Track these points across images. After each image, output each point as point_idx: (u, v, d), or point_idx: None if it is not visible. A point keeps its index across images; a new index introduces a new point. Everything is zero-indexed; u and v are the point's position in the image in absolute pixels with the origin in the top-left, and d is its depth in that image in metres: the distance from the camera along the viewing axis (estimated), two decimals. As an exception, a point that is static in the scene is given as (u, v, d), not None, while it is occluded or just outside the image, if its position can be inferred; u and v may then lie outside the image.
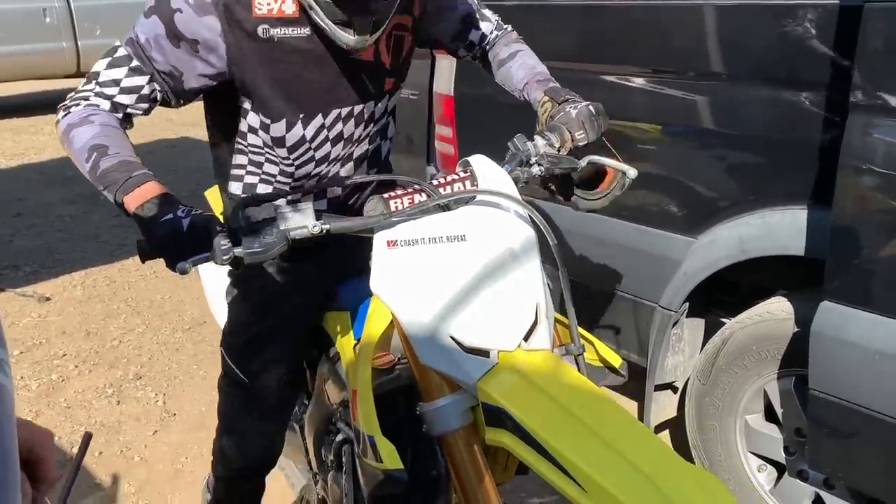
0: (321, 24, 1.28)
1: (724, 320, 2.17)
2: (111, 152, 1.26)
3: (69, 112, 1.32)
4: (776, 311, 1.90)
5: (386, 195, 1.21)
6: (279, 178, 1.50)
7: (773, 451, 2.01)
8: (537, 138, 1.47)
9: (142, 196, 1.21)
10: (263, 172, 1.50)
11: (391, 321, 1.35)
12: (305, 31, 1.33)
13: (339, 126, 1.47)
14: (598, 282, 2.34)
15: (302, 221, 1.12)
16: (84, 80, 1.35)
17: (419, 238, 1.15)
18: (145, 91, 1.33)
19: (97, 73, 1.33)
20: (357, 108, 1.47)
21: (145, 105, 1.35)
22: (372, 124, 1.53)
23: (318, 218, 1.13)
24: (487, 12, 1.73)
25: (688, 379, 2.20)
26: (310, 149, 1.46)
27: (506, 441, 1.06)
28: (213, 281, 2.02)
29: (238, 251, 1.08)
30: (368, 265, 1.21)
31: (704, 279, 2.01)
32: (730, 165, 1.98)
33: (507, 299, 1.15)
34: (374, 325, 1.36)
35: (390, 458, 1.19)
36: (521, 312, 1.15)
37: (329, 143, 1.47)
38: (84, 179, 1.31)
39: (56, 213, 5.10)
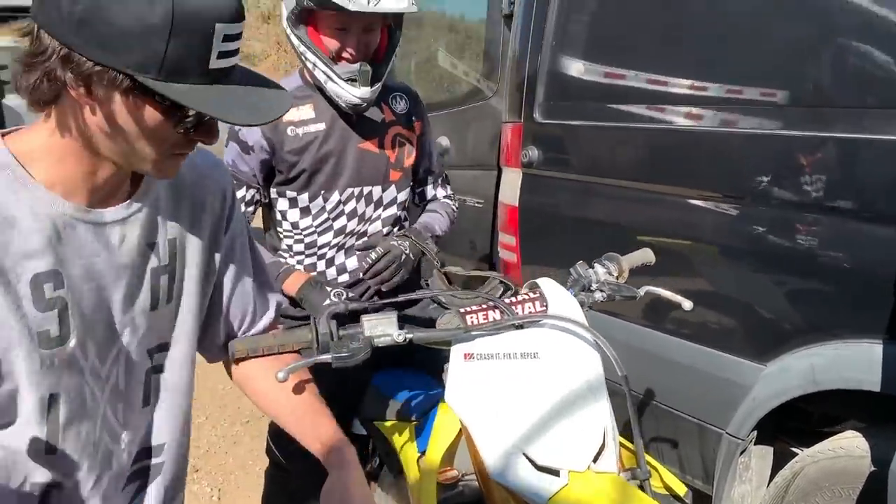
0: (335, 88, 1.75)
1: (793, 449, 2.09)
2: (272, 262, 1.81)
3: None
4: (851, 448, 1.82)
5: (462, 310, 1.26)
6: (307, 252, 1.92)
7: None
8: (597, 266, 1.58)
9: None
10: (294, 253, 1.93)
11: (456, 436, 1.35)
12: (322, 126, 1.84)
13: (353, 203, 1.90)
14: (664, 403, 2.29)
15: (387, 330, 1.19)
16: None
17: (495, 353, 1.18)
18: (248, 196, 1.85)
19: None
20: (366, 189, 1.91)
21: (252, 207, 1.88)
22: (381, 208, 1.94)
23: (400, 327, 1.20)
24: (445, 186, 2.19)
25: (756, 511, 2.10)
26: (329, 219, 1.88)
27: None
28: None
29: (326, 357, 1.16)
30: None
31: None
32: (802, 293, 1.95)
33: (577, 420, 1.17)
34: (441, 439, 1.37)
35: None
36: (591, 434, 1.17)
37: (345, 217, 1.89)
38: None
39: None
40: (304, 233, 1.89)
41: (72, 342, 0.95)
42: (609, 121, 2.43)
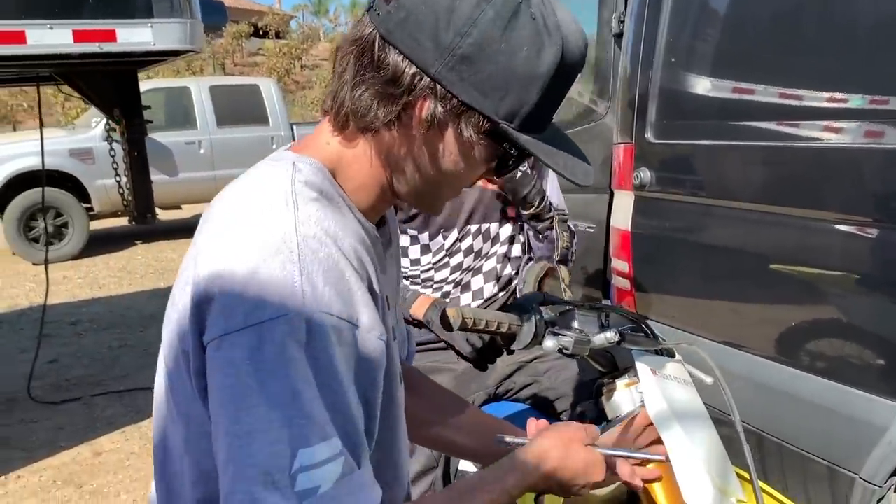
0: None
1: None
2: None
3: None
4: None
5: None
6: (423, 286, 1.90)
7: None
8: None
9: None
10: (412, 283, 1.93)
11: None
12: None
13: (470, 240, 1.89)
14: (790, 441, 2.11)
15: (595, 329, 1.16)
16: None
17: (669, 374, 1.18)
18: None
19: None
20: (483, 227, 1.89)
21: None
22: (498, 244, 1.92)
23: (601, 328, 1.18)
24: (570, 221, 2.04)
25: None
26: (445, 255, 1.87)
27: None
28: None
29: (566, 340, 1.11)
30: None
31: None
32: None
33: (723, 449, 1.18)
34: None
35: None
36: (730, 464, 1.18)
37: (461, 254, 1.88)
38: None
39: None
40: (422, 269, 1.90)
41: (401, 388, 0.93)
42: (729, 139, 2.29)
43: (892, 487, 1.86)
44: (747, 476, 1.21)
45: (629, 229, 2.62)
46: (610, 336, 1.11)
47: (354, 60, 0.80)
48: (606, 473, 0.96)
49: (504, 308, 1.17)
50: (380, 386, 0.79)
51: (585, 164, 0.87)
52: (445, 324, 1.13)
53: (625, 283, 2.68)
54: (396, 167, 0.85)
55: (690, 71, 2.41)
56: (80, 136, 8.46)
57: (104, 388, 4.31)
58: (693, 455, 1.10)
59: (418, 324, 1.78)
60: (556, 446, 0.93)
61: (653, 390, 1.13)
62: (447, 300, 1.88)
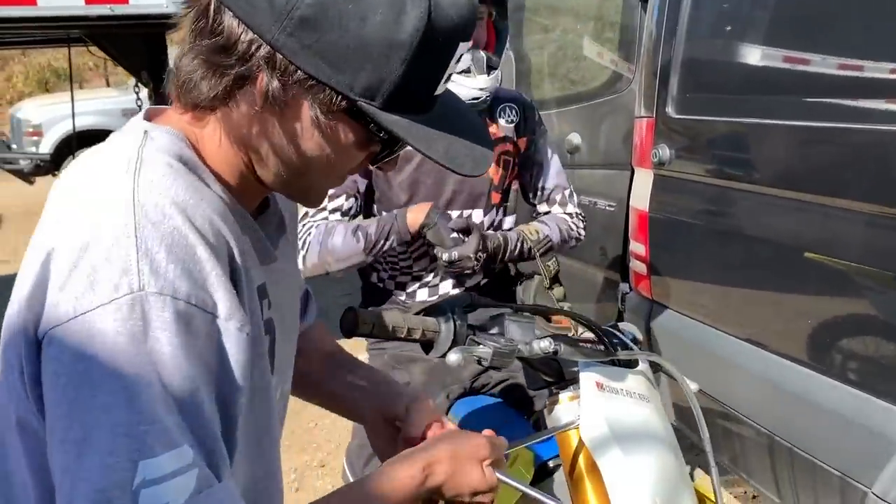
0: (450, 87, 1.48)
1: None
2: (367, 223, 1.64)
3: (310, 234, 1.64)
4: None
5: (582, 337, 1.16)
6: (402, 271, 1.78)
7: None
8: None
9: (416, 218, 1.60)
10: (391, 270, 1.80)
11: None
12: None
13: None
14: (801, 447, 1.95)
15: (529, 337, 1.06)
16: (311, 213, 1.70)
17: (619, 388, 1.08)
18: (346, 206, 1.71)
19: (323, 208, 1.66)
20: (466, 213, 1.75)
21: (347, 218, 1.72)
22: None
23: (538, 337, 1.08)
24: (573, 200, 1.92)
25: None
26: (425, 244, 1.70)
27: None
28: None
29: (483, 351, 1.01)
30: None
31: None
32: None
33: (680, 470, 1.10)
34: (508, 493, 1.24)
35: None
36: (688, 484, 1.11)
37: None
38: None
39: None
40: (400, 257, 1.77)
41: (274, 379, 0.80)
42: (752, 116, 2.10)
43: (907, 506, 1.70)
44: (712, 498, 1.12)
45: (647, 210, 2.46)
46: (545, 345, 0.99)
47: (190, 24, 0.70)
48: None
49: (427, 312, 1.06)
50: (240, 387, 0.67)
51: (482, 148, 0.75)
52: (352, 327, 1.02)
53: (641, 267, 2.53)
54: (252, 151, 0.74)
55: (715, 40, 2.22)
56: (132, 95, 8.58)
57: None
58: (633, 481, 0.98)
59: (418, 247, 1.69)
60: (446, 459, 0.83)
61: (592, 408, 1.02)
62: (415, 298, 1.77)
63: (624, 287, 2.72)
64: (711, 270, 2.30)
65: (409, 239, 1.64)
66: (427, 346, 1.04)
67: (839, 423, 1.85)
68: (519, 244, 1.71)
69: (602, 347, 1.09)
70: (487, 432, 0.91)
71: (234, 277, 0.69)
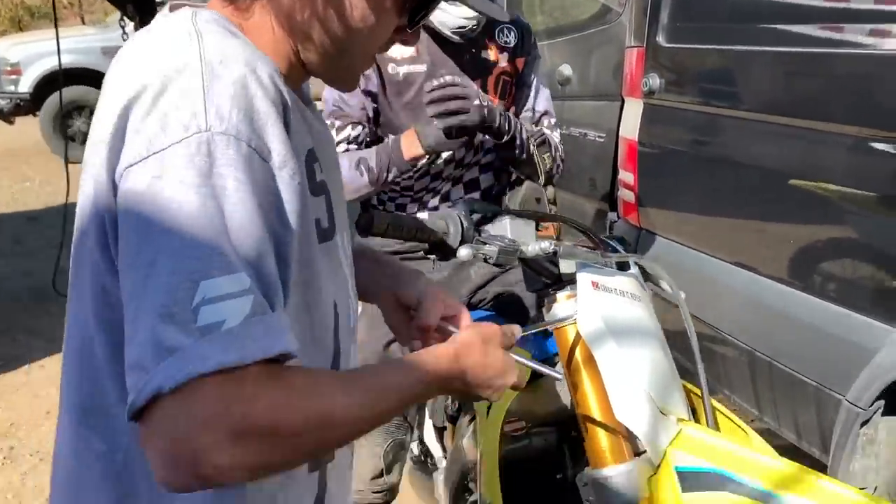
0: (437, 15, 1.61)
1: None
2: (367, 155, 1.68)
3: None
4: None
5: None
6: (402, 193, 1.82)
7: None
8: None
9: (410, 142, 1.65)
10: (391, 192, 1.83)
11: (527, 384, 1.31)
12: (423, 67, 1.73)
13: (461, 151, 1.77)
14: (780, 361, 2.06)
15: (530, 238, 1.11)
16: None
17: (614, 287, 1.14)
18: (355, 134, 1.73)
19: None
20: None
21: (356, 147, 1.73)
22: (481, 153, 1.82)
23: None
24: (557, 130, 1.91)
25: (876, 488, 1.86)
26: (426, 164, 1.74)
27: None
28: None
29: (489, 249, 1.06)
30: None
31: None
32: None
33: (670, 366, 1.14)
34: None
35: None
36: (678, 381, 1.16)
37: (442, 162, 1.77)
38: None
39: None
40: (402, 176, 1.79)
41: (337, 237, 0.84)
42: (743, 44, 2.15)
43: (878, 411, 1.81)
44: (699, 392, 1.19)
45: (636, 139, 2.52)
46: (545, 246, 1.05)
47: None
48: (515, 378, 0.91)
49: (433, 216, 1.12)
50: (291, 228, 0.71)
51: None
52: (368, 226, 1.08)
53: (630, 196, 2.60)
54: (302, 34, 0.77)
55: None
56: (111, 34, 8.38)
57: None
58: (628, 373, 1.06)
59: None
60: (478, 345, 0.87)
61: (588, 304, 1.08)
62: (427, 211, 1.82)
63: (612, 216, 2.79)
64: (699, 197, 2.38)
65: (407, 169, 1.68)
66: (435, 247, 1.10)
67: (817, 336, 1.95)
68: (517, 124, 1.73)
69: (597, 251, 1.16)
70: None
71: (288, 131, 0.73)
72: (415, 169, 1.74)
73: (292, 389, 0.65)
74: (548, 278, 1.15)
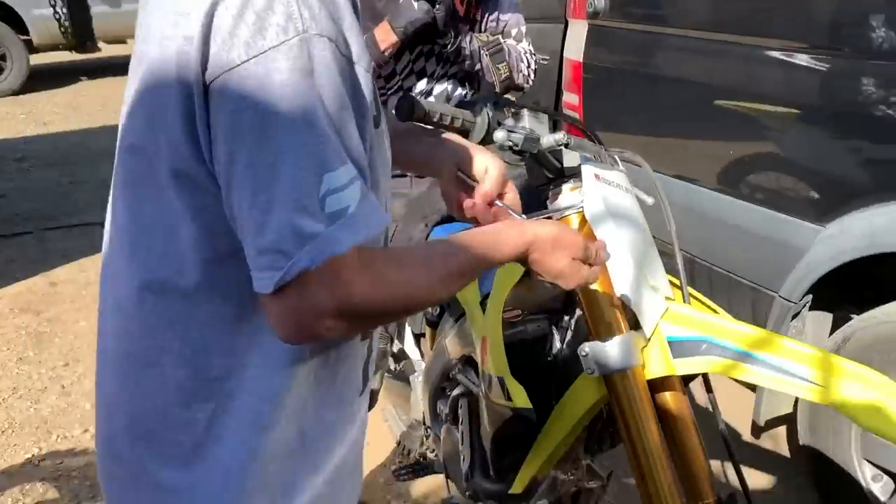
0: None
1: (854, 317, 2.01)
2: None
3: None
4: (905, 313, 1.73)
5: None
6: (386, 83, 1.84)
7: (890, 462, 1.86)
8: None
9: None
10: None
11: (520, 278, 1.39)
12: None
13: (422, 62, 1.86)
14: (717, 264, 2.23)
15: (544, 130, 1.19)
16: None
17: (611, 180, 1.23)
18: None
19: None
20: (436, 48, 1.84)
21: None
22: (449, 65, 1.89)
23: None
24: (528, 39, 2.05)
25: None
26: (399, 80, 1.83)
27: (712, 367, 1.14)
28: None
29: (516, 136, 1.13)
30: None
31: (833, 271, 1.87)
32: (866, 151, 1.82)
33: (656, 253, 1.25)
34: (506, 279, 1.39)
35: (519, 396, 1.26)
36: (662, 266, 1.27)
37: (414, 77, 1.85)
38: None
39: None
40: (380, 69, 1.84)
41: (383, 124, 0.87)
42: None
43: (808, 305, 2.00)
44: (677, 283, 1.30)
45: (581, 60, 2.60)
46: (559, 137, 1.14)
47: None
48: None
49: (460, 106, 1.19)
50: (369, 117, 0.78)
51: None
52: (409, 113, 1.12)
53: (574, 117, 2.69)
54: None
55: None
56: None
57: (56, 222, 4.28)
58: (626, 252, 1.16)
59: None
60: (550, 241, 0.92)
61: (593, 192, 1.18)
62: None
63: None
64: (642, 115, 2.49)
65: (384, 60, 1.77)
66: (463, 133, 1.16)
67: (752, 240, 2.12)
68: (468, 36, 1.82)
69: (600, 147, 1.26)
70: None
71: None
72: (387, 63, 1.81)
73: (388, 264, 0.78)
74: (551, 172, 1.23)
